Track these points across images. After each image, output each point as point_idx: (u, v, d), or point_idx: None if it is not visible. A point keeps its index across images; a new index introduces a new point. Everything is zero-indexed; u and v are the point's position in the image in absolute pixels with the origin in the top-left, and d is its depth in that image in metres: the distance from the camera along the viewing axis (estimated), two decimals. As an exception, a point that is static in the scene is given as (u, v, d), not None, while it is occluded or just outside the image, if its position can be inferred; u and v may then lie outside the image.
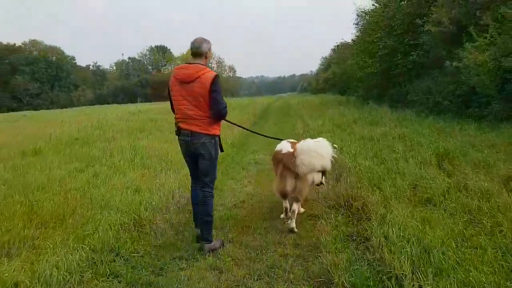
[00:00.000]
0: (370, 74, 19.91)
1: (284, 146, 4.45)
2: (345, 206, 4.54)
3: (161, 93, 71.20)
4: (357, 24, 24.43)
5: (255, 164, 8.08)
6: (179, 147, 3.89)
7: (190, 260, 3.60)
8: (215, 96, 3.56)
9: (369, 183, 5.03)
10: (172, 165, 7.31)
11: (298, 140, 4.68)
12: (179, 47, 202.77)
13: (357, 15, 22.93)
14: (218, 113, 3.64)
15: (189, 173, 4.09)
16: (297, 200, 4.23)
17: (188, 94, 3.57)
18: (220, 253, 3.69)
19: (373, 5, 20.59)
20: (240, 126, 5.26)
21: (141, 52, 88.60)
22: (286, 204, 4.32)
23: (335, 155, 4.66)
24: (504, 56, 9.46)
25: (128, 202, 4.89)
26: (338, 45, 47.13)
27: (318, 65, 65.93)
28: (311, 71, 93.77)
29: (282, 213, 4.47)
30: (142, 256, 3.71)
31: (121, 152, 8.80)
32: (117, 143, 10.29)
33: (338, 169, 6.09)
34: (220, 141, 3.87)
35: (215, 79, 3.56)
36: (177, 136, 3.80)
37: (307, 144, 4.27)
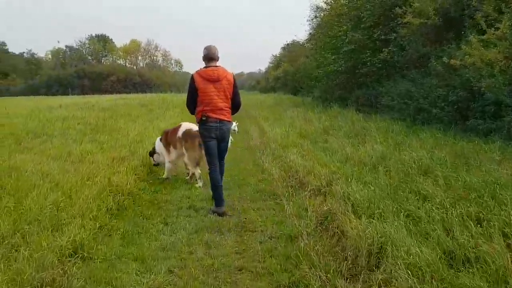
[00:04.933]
0: (332, 73, 17.59)
1: (193, 127, 5.96)
2: None
3: (99, 85, 65.06)
4: (312, 19, 22.33)
5: (190, 210, 4.86)
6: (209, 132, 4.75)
7: None
8: (237, 91, 4.87)
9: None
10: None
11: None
12: (120, 38, 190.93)
13: (315, 9, 20.76)
14: (238, 105, 4.93)
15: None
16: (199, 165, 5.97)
17: (218, 91, 4.65)
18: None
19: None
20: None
21: (79, 41, 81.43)
22: (198, 170, 5.98)
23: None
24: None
25: None
26: (288, 44, 45.41)
27: (267, 63, 63.79)
28: (259, 69, 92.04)
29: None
30: None
31: None
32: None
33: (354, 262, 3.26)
34: None
35: (234, 77, 4.90)
36: (203, 123, 4.77)
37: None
